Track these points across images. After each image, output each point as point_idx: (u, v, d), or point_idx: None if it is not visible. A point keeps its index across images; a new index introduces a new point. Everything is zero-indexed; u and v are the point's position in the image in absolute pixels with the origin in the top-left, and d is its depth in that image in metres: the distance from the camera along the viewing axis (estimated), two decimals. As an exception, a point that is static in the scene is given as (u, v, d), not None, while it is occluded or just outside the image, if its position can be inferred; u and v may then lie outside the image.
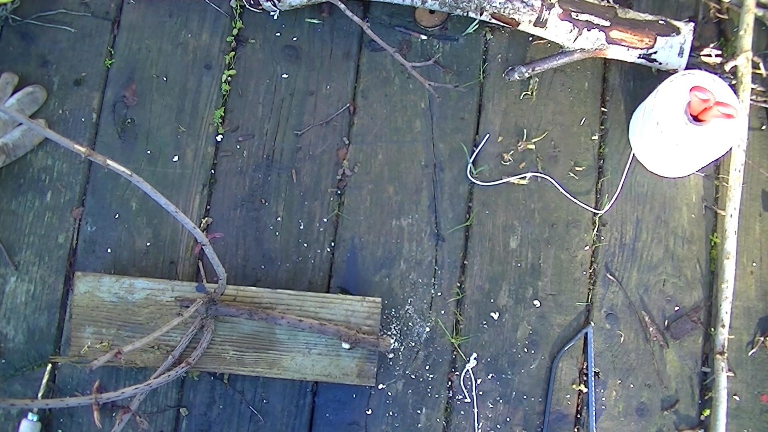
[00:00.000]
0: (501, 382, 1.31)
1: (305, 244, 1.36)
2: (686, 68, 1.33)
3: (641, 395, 1.31)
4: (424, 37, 1.42)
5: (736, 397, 1.30)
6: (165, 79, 1.41)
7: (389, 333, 1.32)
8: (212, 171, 1.38)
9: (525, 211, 1.36)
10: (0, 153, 1.32)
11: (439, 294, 1.34)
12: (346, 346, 1.26)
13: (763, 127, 1.38)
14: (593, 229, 1.36)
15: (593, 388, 1.30)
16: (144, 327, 1.28)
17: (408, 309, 1.33)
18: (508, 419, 1.30)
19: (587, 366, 1.31)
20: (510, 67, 1.39)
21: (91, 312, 1.28)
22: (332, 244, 1.36)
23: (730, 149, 1.30)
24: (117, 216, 1.36)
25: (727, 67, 1.33)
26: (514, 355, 1.32)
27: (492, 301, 1.34)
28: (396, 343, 1.32)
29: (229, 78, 1.41)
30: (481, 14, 1.33)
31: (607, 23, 1.30)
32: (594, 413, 1.30)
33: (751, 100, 1.34)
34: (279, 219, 1.36)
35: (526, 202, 1.36)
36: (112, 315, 1.28)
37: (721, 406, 1.25)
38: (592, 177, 1.37)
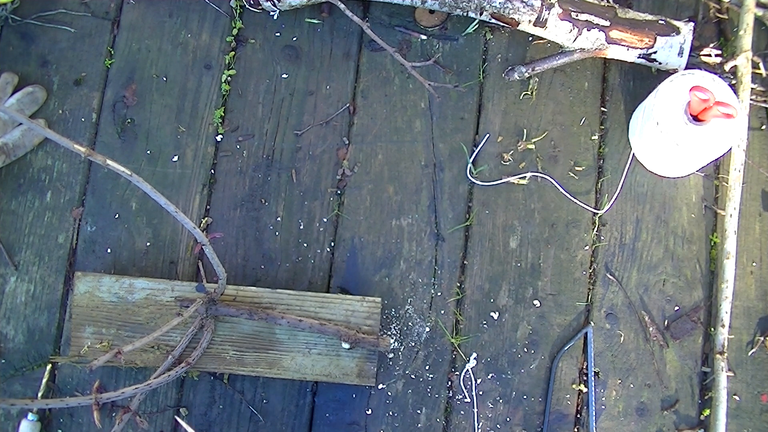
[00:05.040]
0: (501, 382, 1.31)
1: (305, 244, 1.36)
2: (686, 68, 1.33)
3: (641, 395, 1.31)
4: (424, 37, 1.42)
5: (736, 397, 1.30)
6: (165, 79, 1.41)
7: (389, 333, 1.32)
8: (212, 171, 1.38)
9: (525, 211, 1.36)
10: (0, 153, 1.32)
11: (439, 294, 1.34)
12: (346, 346, 1.26)
13: (763, 127, 1.38)
14: (593, 229, 1.36)
15: (593, 388, 1.30)
16: (144, 327, 1.28)
17: (408, 309, 1.33)
18: (508, 419, 1.30)
19: (587, 366, 1.31)
20: (510, 67, 1.39)
21: (91, 312, 1.28)
22: (332, 244, 1.36)
23: (730, 149, 1.30)
24: (117, 216, 1.36)
25: (727, 67, 1.33)
26: (514, 355, 1.32)
27: (492, 301, 1.34)
28: (396, 343, 1.32)
29: (229, 78, 1.41)
30: (481, 14, 1.33)
31: (607, 23, 1.30)
32: (594, 413, 1.30)
33: (751, 100, 1.34)
34: (279, 219, 1.36)
35: (526, 202, 1.36)
36: (112, 315, 1.28)
37: (721, 406, 1.25)
38: (592, 177, 1.37)
